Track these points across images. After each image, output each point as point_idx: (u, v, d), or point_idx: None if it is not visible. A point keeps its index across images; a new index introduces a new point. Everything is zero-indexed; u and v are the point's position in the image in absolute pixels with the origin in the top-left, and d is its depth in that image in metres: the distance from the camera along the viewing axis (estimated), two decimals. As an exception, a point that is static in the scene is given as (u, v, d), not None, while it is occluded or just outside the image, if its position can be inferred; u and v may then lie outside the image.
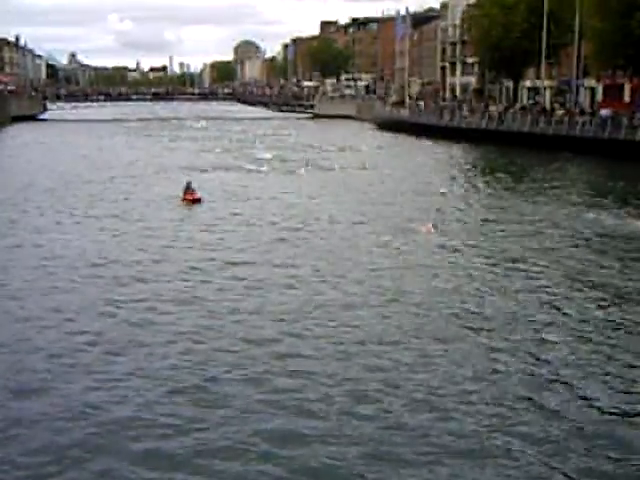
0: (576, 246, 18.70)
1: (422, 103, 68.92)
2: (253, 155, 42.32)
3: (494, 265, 16.50)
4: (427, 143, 52.47)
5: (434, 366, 10.69)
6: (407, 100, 74.98)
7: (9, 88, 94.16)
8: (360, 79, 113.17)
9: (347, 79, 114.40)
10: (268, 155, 41.97)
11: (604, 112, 46.50)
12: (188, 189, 25.88)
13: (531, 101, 62.83)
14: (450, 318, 12.78)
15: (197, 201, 25.34)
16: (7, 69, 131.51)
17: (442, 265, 16.54)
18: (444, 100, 76.94)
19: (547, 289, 14.66)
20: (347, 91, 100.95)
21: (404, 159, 41.70)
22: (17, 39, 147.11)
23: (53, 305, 13.76)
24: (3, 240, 19.68)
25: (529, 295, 14.20)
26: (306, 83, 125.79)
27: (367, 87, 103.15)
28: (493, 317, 12.83)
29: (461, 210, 24.22)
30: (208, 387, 10.12)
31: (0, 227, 21.29)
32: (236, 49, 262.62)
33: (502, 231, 20.48)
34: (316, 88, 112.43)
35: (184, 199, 25.53)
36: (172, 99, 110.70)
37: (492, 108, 57.47)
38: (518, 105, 59.10)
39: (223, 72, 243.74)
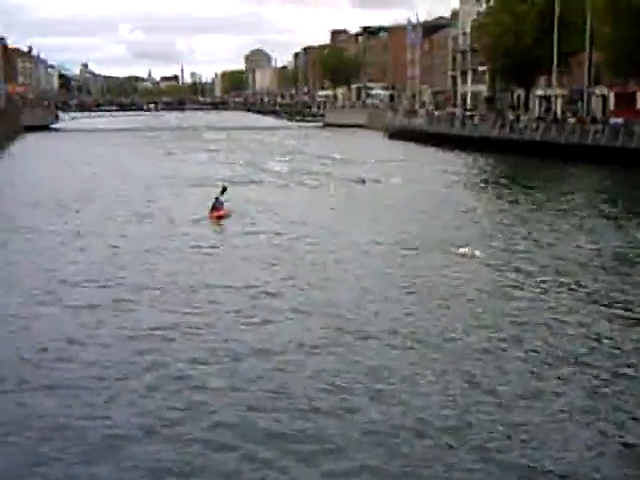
0: (615, 261, 18.37)
1: (437, 113, 68.83)
2: (272, 167, 41.32)
3: (545, 292, 15.31)
4: (440, 152, 52.42)
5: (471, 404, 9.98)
6: (418, 109, 75.14)
7: (25, 96, 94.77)
8: (372, 88, 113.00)
9: (368, 87, 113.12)
10: (287, 167, 41.28)
11: (613, 120, 46.48)
12: (217, 204, 24.29)
13: (544, 110, 62.80)
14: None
15: (222, 217, 23.84)
16: (20, 79, 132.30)
17: (489, 293, 15.36)
18: (455, 107, 76.95)
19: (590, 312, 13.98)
20: (369, 100, 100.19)
21: (423, 171, 40.96)
22: (30, 50, 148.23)
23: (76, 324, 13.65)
24: (17, 254, 19.69)
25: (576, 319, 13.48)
26: (319, 92, 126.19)
27: (392, 97, 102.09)
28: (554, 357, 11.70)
29: (493, 228, 23.15)
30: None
31: (8, 244, 21.08)
32: (247, 58, 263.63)
33: (540, 248, 19.72)
34: (328, 97, 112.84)
35: (212, 216, 23.94)
36: (183, 109, 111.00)
37: (523, 118, 56.72)
38: (528, 115, 59.10)
39: (234, 81, 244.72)
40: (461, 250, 18.83)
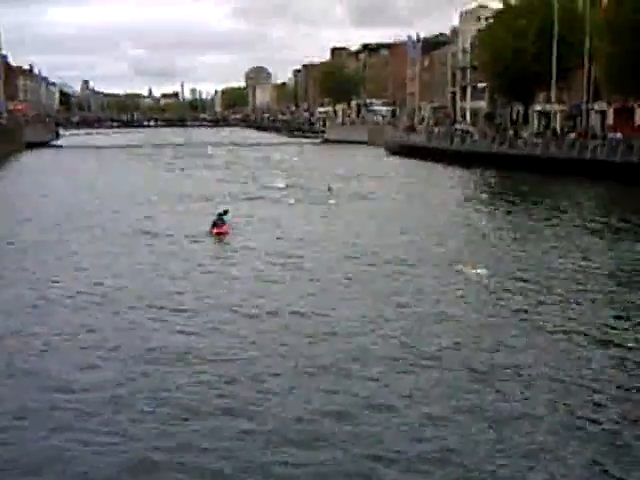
0: (616, 277, 18.31)
1: (437, 129, 69.02)
2: (274, 183, 41.05)
3: (549, 312, 15.15)
4: (440, 168, 52.59)
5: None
6: (417, 125, 75.44)
7: (27, 114, 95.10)
8: (372, 104, 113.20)
9: (369, 103, 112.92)
10: (288, 182, 41.14)
11: (612, 136, 46.68)
12: (219, 221, 24.27)
13: (543, 126, 63.03)
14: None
15: (225, 234, 23.81)
16: (21, 96, 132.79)
17: (498, 310, 15.29)
18: (454, 123, 77.20)
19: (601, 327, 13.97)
20: (370, 116, 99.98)
21: (424, 186, 41.07)
22: (31, 67, 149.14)
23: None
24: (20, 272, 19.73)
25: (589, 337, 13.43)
26: (319, 109, 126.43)
27: (394, 112, 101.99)
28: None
29: (494, 245, 22.98)
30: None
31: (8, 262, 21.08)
32: (247, 75, 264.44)
33: (541, 265, 19.53)
34: (328, 113, 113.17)
35: (213, 232, 23.91)
36: (184, 125, 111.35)
37: (524, 134, 56.86)
38: (527, 130, 59.34)
39: (234, 98, 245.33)
40: (465, 268, 18.67)
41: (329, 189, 36.13)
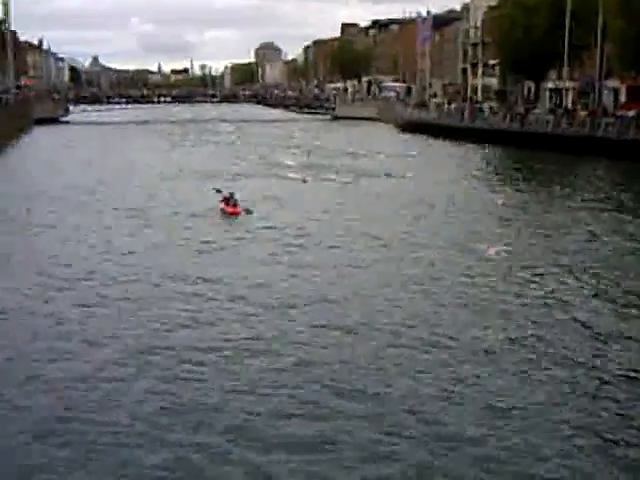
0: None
1: (452, 105, 68.32)
2: (285, 160, 40.82)
3: (574, 294, 14.96)
4: (451, 145, 52.28)
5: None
6: (428, 101, 74.97)
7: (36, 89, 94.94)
8: (382, 81, 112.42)
9: (380, 80, 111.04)
10: (300, 160, 40.82)
11: (625, 113, 46.28)
12: (230, 199, 23.93)
13: (554, 103, 62.53)
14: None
15: (238, 214, 23.45)
16: (31, 72, 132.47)
17: (517, 295, 14.91)
18: (464, 101, 76.66)
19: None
20: (384, 93, 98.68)
21: (436, 164, 40.71)
22: (40, 43, 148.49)
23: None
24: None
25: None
26: (329, 86, 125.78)
27: (409, 89, 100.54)
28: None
29: (515, 224, 22.55)
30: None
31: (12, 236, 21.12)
32: (257, 51, 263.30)
33: (562, 246, 19.29)
34: (338, 90, 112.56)
35: (225, 211, 23.73)
36: (193, 101, 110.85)
37: (537, 111, 56.33)
38: (539, 108, 58.87)
39: (244, 74, 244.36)
40: (488, 250, 18.29)
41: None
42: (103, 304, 14.24)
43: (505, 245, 18.92)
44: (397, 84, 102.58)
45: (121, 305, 14.20)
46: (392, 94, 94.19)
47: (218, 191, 24.67)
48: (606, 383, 10.59)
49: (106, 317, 13.55)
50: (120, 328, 12.86)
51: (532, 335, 12.52)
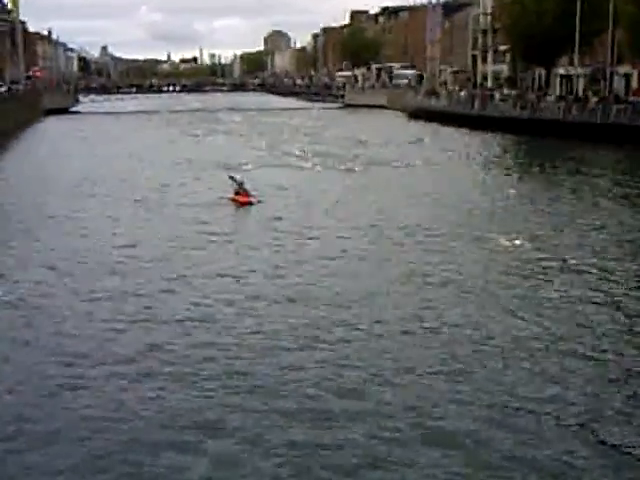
0: None
1: (462, 93, 67.99)
2: (296, 149, 40.55)
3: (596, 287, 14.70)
4: (462, 133, 52.09)
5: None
6: (438, 89, 74.67)
7: (45, 80, 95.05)
8: (393, 68, 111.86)
9: (390, 67, 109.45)
10: (310, 149, 40.52)
11: (635, 99, 46.02)
12: (240, 189, 23.62)
13: (565, 90, 62.16)
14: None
15: (249, 204, 23.16)
16: (40, 63, 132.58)
17: (538, 286, 14.58)
18: (474, 88, 76.29)
19: None
20: (396, 81, 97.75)
21: (447, 152, 40.41)
22: (50, 33, 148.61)
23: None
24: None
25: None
26: (339, 74, 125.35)
27: (421, 77, 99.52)
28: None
29: (528, 214, 22.03)
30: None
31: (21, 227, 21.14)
32: (266, 40, 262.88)
33: (579, 236, 19.11)
34: (347, 77, 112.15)
35: (236, 200, 23.38)
36: (203, 90, 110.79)
37: (549, 98, 55.89)
38: (549, 94, 58.54)
39: (253, 63, 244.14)
40: (503, 240, 18.01)
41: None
42: (108, 296, 14.21)
43: (517, 234, 18.65)
44: (409, 71, 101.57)
45: (127, 296, 14.17)
46: (404, 81, 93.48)
47: (232, 178, 24.31)
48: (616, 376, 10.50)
49: (111, 307, 13.54)
50: (126, 321, 12.80)
51: (542, 327, 12.35)
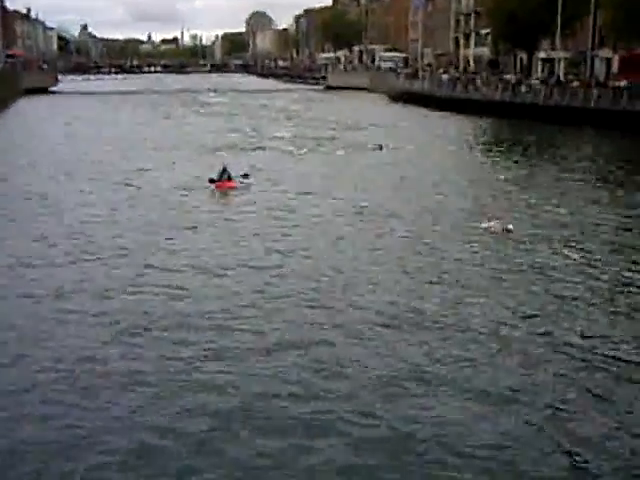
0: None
1: (445, 76, 67.89)
2: (277, 132, 40.21)
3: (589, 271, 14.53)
4: (443, 116, 52.07)
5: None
6: (421, 72, 74.60)
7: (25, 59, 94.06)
8: (374, 50, 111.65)
9: (387, 50, 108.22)
10: (293, 132, 40.22)
11: (616, 83, 46.27)
12: (224, 174, 23.05)
13: (547, 73, 62.26)
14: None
15: (232, 188, 22.72)
16: (19, 41, 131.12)
17: (533, 274, 14.27)
18: (457, 70, 76.28)
19: None
20: (383, 64, 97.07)
21: (429, 135, 40.39)
22: (28, 11, 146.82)
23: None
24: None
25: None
26: (321, 55, 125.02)
27: (406, 61, 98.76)
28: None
29: (514, 199, 21.82)
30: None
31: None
32: (248, 21, 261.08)
33: (566, 218, 18.99)
34: (330, 59, 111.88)
35: (218, 185, 22.81)
36: (184, 72, 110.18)
37: (534, 81, 55.73)
38: (531, 78, 58.65)
39: (235, 44, 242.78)
40: (491, 224, 17.43)
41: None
42: (88, 283, 13.93)
43: (507, 219, 18.23)
44: (395, 54, 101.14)
45: (110, 279, 14.06)
46: (389, 64, 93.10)
47: (212, 181, 23.10)
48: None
49: (90, 293, 13.30)
50: (106, 306, 12.61)
51: (530, 312, 12.26)
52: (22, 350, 10.75)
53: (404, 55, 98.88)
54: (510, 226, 17.26)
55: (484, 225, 17.62)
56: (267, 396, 9.32)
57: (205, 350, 10.68)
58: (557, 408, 9.11)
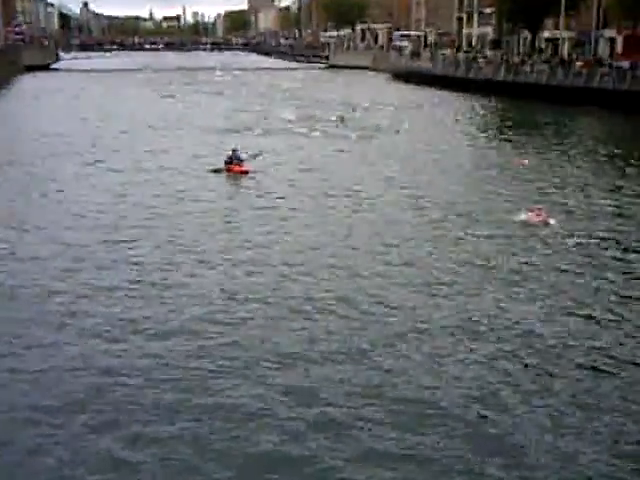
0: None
1: (447, 52, 67.54)
2: (281, 113, 39.13)
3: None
4: (446, 95, 51.77)
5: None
6: (422, 51, 74.26)
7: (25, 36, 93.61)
8: (375, 29, 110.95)
9: (402, 35, 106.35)
10: (298, 113, 39.21)
11: (620, 63, 46.02)
12: (233, 158, 22.25)
13: (550, 53, 61.90)
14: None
15: (245, 173, 21.86)
16: (20, 18, 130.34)
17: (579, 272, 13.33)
18: (458, 50, 75.85)
19: None
20: (398, 43, 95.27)
21: (434, 116, 39.86)
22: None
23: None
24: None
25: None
26: (323, 34, 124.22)
27: (425, 38, 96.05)
28: None
29: (542, 187, 20.58)
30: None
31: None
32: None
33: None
34: (332, 38, 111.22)
35: (229, 169, 22.07)
36: (186, 49, 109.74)
37: (529, 61, 55.31)
38: (534, 58, 58.30)
39: (237, 22, 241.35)
40: (529, 216, 16.21)
41: (342, 120, 35.00)
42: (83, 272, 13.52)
43: (547, 211, 16.92)
44: (412, 32, 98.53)
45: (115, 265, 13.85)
46: (405, 44, 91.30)
47: (216, 171, 22.47)
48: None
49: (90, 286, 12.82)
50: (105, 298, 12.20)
51: (547, 297, 12.03)
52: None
53: (418, 33, 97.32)
54: (552, 220, 16.17)
55: (522, 217, 16.46)
56: (275, 391, 9.06)
57: (215, 343, 10.44)
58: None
